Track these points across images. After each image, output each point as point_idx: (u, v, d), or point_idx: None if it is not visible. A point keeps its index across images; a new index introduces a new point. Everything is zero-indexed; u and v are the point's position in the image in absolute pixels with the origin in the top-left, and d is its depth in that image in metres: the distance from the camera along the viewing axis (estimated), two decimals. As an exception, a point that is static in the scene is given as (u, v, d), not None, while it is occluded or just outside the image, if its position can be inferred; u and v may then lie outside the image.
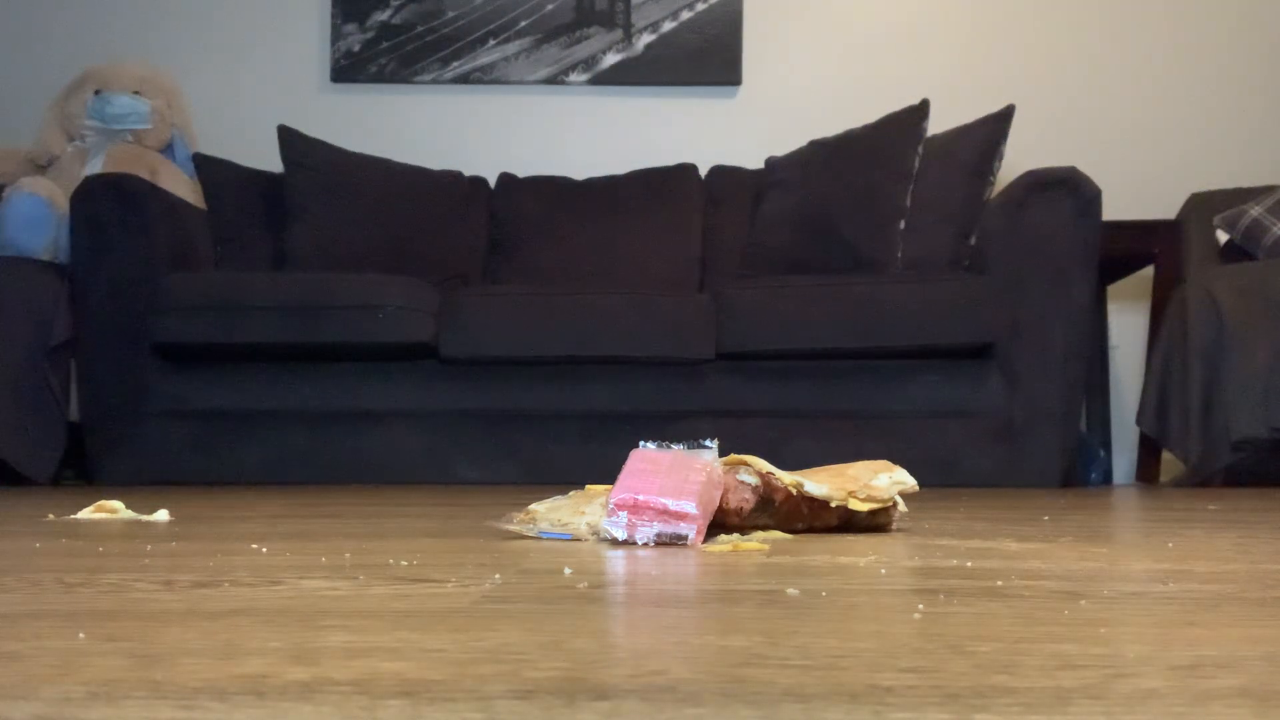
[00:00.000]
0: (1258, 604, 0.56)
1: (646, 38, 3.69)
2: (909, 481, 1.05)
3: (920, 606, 0.54)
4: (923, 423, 2.72)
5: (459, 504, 1.70)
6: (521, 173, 3.61)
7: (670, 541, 0.87)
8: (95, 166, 3.15)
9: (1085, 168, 3.64)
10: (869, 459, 2.45)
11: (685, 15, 3.69)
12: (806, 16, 3.74)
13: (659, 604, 0.56)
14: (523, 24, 3.74)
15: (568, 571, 0.68)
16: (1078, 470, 3.16)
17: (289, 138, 3.32)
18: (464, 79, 3.74)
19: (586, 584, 0.63)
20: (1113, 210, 3.59)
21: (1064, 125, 3.68)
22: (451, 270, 3.24)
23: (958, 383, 2.72)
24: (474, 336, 2.76)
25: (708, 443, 1.43)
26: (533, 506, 0.99)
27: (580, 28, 3.73)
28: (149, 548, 0.87)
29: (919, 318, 2.67)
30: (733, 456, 0.99)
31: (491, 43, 3.74)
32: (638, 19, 3.70)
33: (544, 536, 0.94)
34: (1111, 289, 3.62)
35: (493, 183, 3.49)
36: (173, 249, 2.90)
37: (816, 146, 3.21)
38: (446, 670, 0.37)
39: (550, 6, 3.73)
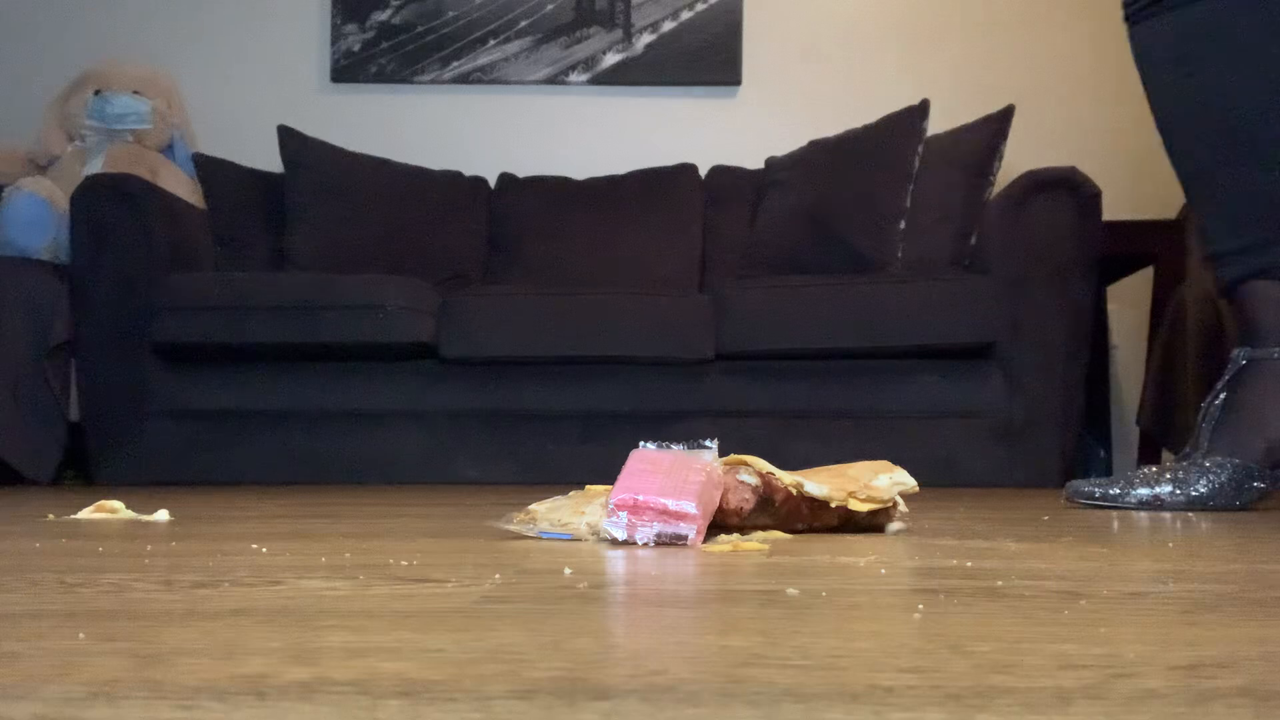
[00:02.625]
0: (1258, 604, 0.56)
1: (646, 38, 3.69)
2: (909, 482, 1.05)
3: (920, 606, 0.54)
4: (923, 423, 2.72)
5: (459, 504, 1.70)
6: (521, 173, 3.61)
7: (670, 541, 0.87)
8: (95, 166, 3.15)
9: (1085, 168, 3.64)
10: (869, 459, 2.45)
11: (685, 15, 3.69)
12: (806, 16, 3.74)
13: (659, 604, 0.56)
14: (523, 24, 3.74)
15: (568, 571, 0.68)
16: (1078, 470, 3.16)
17: (289, 138, 3.32)
18: (464, 79, 3.74)
19: (586, 584, 0.63)
20: (1113, 210, 3.59)
21: (1064, 125, 3.68)
22: (451, 270, 3.24)
23: (958, 383, 2.72)
24: (474, 336, 2.76)
25: (708, 443, 1.43)
26: (533, 506, 0.99)
27: (580, 28, 3.73)
28: (149, 548, 0.87)
29: (919, 318, 2.67)
30: (733, 456, 0.99)
31: (491, 43, 3.74)
32: (638, 19, 3.70)
33: (544, 536, 0.94)
34: (1111, 289, 3.62)
35: (493, 183, 3.49)
36: (173, 249, 2.90)
37: (816, 146, 3.21)
38: (446, 670, 0.37)
39: (550, 6, 3.73)
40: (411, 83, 3.75)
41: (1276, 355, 1.53)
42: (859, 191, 3.01)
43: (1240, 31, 1.56)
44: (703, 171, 3.49)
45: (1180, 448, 2.91)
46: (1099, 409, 3.46)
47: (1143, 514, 1.45)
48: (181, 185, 3.25)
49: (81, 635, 0.45)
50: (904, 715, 0.31)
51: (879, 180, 3.01)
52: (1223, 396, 1.56)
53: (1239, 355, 1.57)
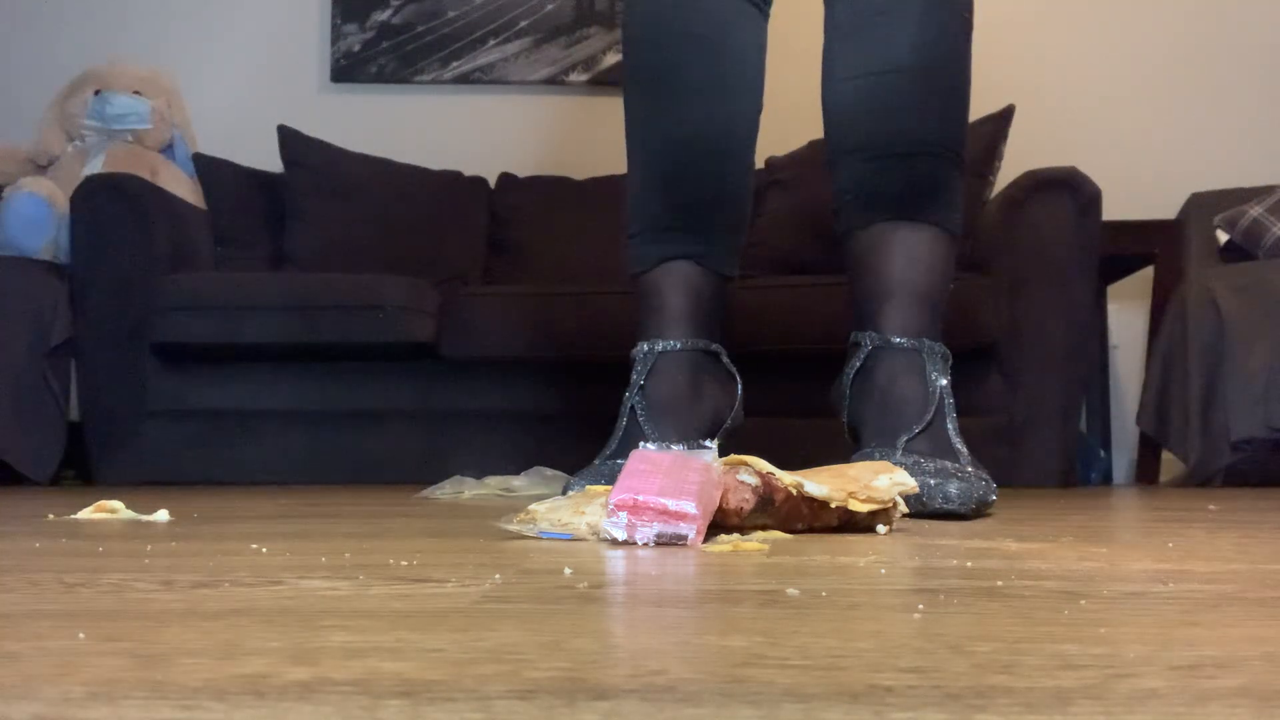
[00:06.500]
0: (1258, 604, 0.56)
1: (646, 38, 3.69)
2: (909, 483, 1.05)
3: (920, 606, 0.54)
4: (923, 423, 2.71)
5: (459, 504, 1.70)
6: (521, 173, 3.60)
7: (670, 541, 0.87)
8: (95, 166, 3.15)
9: (1085, 168, 3.63)
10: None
11: (685, 15, 3.69)
12: (807, 15, 3.73)
13: (659, 604, 0.56)
14: (523, 24, 3.74)
15: (568, 571, 0.68)
16: (1078, 470, 3.16)
17: (289, 138, 3.32)
18: (464, 79, 3.74)
19: (586, 584, 0.63)
20: (1113, 210, 3.59)
21: (1064, 125, 3.68)
22: (451, 270, 3.24)
23: (957, 383, 2.71)
24: (474, 336, 2.76)
25: (708, 443, 1.43)
26: (533, 506, 0.99)
27: (580, 28, 3.73)
28: (149, 548, 0.87)
29: (919, 318, 2.66)
30: (733, 456, 0.99)
31: (491, 43, 3.74)
32: (638, 19, 3.70)
33: (544, 536, 0.94)
34: (1111, 289, 3.62)
35: (493, 183, 3.49)
36: (173, 249, 2.90)
37: (816, 146, 3.21)
38: (446, 670, 0.37)
39: (550, 6, 3.73)
40: (411, 83, 3.75)
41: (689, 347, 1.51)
42: (859, 191, 3.01)
43: None
44: (703, 171, 3.48)
45: (1180, 448, 2.91)
46: (1099, 409, 3.45)
47: (1142, 513, 1.45)
48: (181, 185, 3.25)
49: (81, 635, 0.45)
50: (904, 715, 0.31)
51: (879, 180, 3.01)
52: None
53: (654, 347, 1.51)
